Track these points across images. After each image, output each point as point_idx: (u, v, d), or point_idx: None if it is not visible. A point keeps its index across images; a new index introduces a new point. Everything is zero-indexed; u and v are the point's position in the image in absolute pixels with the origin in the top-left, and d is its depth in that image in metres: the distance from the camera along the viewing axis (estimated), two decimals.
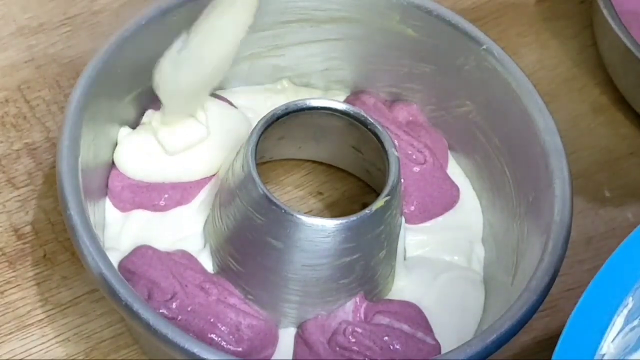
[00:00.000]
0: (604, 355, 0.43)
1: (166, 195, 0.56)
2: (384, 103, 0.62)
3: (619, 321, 0.44)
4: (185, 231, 0.56)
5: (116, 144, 0.57)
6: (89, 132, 0.54)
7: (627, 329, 0.45)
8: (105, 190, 0.57)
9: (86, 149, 0.53)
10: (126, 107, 0.58)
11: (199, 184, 0.57)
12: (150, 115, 0.58)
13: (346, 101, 0.62)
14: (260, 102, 0.61)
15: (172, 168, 0.57)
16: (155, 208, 0.56)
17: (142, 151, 0.57)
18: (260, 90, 0.62)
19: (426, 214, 0.58)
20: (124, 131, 0.57)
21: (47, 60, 0.64)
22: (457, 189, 0.60)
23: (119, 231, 0.56)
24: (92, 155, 0.54)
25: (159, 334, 0.48)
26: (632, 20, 0.64)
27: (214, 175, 0.57)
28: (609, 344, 0.44)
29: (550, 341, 0.58)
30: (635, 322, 0.45)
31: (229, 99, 0.61)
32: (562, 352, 0.42)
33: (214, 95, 0.60)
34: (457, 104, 0.60)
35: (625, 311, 0.44)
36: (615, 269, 0.44)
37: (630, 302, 0.44)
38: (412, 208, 0.58)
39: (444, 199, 0.59)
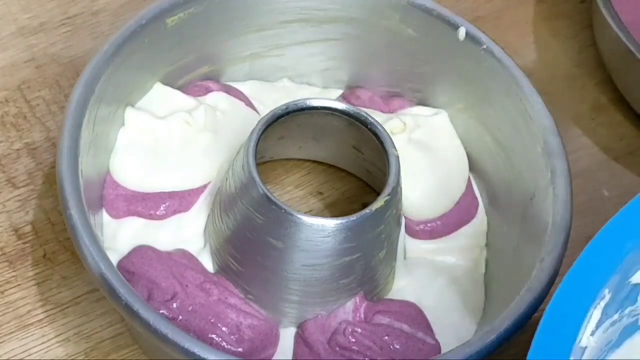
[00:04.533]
0: (585, 347, 0.43)
1: (164, 205, 0.56)
2: (381, 97, 0.62)
3: (596, 313, 0.44)
4: (184, 234, 0.56)
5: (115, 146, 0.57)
6: (89, 133, 0.54)
7: (607, 323, 0.45)
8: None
9: (86, 149, 0.53)
10: (126, 107, 0.58)
11: (199, 189, 0.57)
12: (134, 115, 0.58)
13: (341, 96, 0.62)
14: (265, 94, 0.61)
15: (171, 179, 0.57)
16: (152, 217, 0.56)
17: (139, 163, 0.57)
18: (263, 84, 0.62)
19: (445, 230, 0.59)
20: (123, 135, 0.57)
21: (47, 60, 0.64)
22: (477, 203, 0.60)
23: (117, 231, 0.56)
24: (91, 156, 0.54)
25: (159, 334, 0.48)
26: (632, 20, 0.64)
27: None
28: (589, 337, 0.44)
29: None
30: (615, 316, 0.45)
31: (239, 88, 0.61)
32: (539, 345, 0.43)
33: (226, 86, 0.60)
34: (457, 103, 0.60)
35: (602, 303, 0.44)
36: (590, 262, 0.45)
37: (606, 294, 0.44)
38: (425, 227, 0.58)
39: (463, 216, 0.59)
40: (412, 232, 0.58)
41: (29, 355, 0.55)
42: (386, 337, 0.53)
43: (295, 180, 0.62)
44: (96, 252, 0.50)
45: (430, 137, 0.59)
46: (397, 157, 0.53)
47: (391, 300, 0.56)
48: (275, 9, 0.59)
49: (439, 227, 0.58)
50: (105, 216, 0.56)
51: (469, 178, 0.60)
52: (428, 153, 0.59)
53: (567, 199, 0.54)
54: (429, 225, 0.58)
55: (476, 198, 0.59)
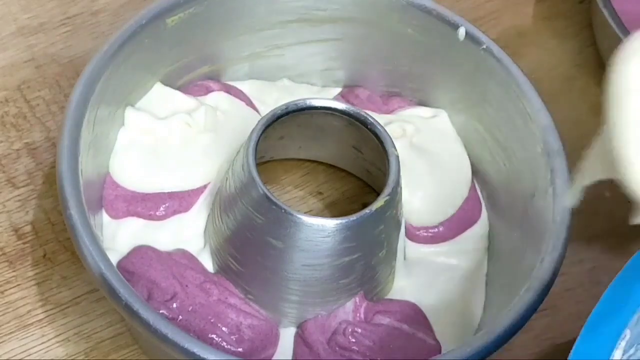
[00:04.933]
0: None
1: (164, 205, 0.56)
2: (380, 97, 0.62)
3: (617, 354, 0.44)
4: (184, 235, 0.56)
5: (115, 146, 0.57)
6: (89, 133, 0.54)
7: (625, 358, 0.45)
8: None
9: (86, 149, 0.53)
10: (126, 107, 0.58)
11: (198, 190, 0.57)
12: (134, 115, 0.58)
13: (340, 94, 0.62)
14: (266, 93, 0.61)
15: (171, 179, 0.57)
16: (151, 217, 0.56)
17: (139, 163, 0.57)
18: (263, 83, 0.62)
19: (447, 234, 0.58)
20: (123, 135, 0.57)
21: (47, 60, 0.64)
22: (480, 207, 0.59)
23: (117, 232, 0.56)
24: (91, 156, 0.54)
25: (159, 334, 0.48)
26: (632, 20, 0.64)
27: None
28: None
29: (550, 341, 0.58)
30: (632, 351, 0.45)
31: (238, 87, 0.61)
32: None
33: (226, 85, 0.60)
34: (456, 103, 0.60)
35: (623, 343, 0.44)
36: (612, 303, 0.44)
37: (627, 333, 0.44)
38: (427, 233, 0.58)
39: (467, 220, 0.59)
40: (414, 237, 0.57)
41: (29, 355, 0.55)
42: (386, 337, 0.53)
43: (295, 180, 0.62)
44: (96, 252, 0.50)
45: (431, 142, 0.59)
46: (397, 157, 0.53)
47: (391, 300, 0.56)
48: (275, 9, 0.59)
49: (441, 233, 0.58)
50: (105, 216, 0.56)
51: (472, 181, 0.60)
52: (429, 159, 0.59)
53: None
54: (430, 230, 0.58)
55: (480, 201, 0.59)
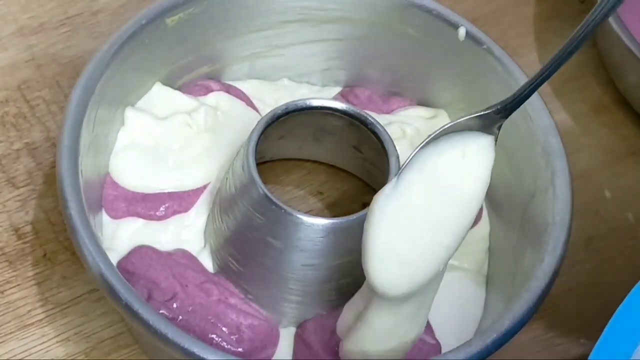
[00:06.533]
0: None
1: (164, 206, 0.56)
2: (380, 97, 0.62)
3: None
4: (184, 235, 0.56)
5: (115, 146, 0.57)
6: (89, 133, 0.54)
7: None
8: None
9: (86, 149, 0.53)
10: (126, 107, 0.58)
11: (198, 190, 0.57)
12: (134, 115, 0.58)
13: (340, 94, 0.62)
14: (265, 93, 0.61)
15: (171, 179, 0.57)
16: (151, 217, 0.56)
17: (139, 163, 0.57)
18: (263, 83, 0.62)
19: None
20: (123, 136, 0.57)
21: (47, 60, 0.64)
22: (481, 208, 0.59)
23: (117, 232, 0.56)
24: (91, 156, 0.54)
25: (159, 334, 0.48)
26: (632, 20, 0.64)
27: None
28: None
29: (550, 341, 0.58)
30: None
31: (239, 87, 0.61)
32: None
33: (226, 85, 0.60)
34: (456, 103, 0.60)
35: None
36: (622, 326, 0.44)
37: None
38: None
39: None
40: None
41: (29, 355, 0.55)
42: None
43: (295, 180, 0.62)
44: (96, 252, 0.50)
45: None
46: (397, 157, 0.53)
47: None
48: (275, 9, 0.59)
49: None
50: (105, 216, 0.56)
51: None
52: None
53: (567, 199, 0.54)
54: None
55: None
